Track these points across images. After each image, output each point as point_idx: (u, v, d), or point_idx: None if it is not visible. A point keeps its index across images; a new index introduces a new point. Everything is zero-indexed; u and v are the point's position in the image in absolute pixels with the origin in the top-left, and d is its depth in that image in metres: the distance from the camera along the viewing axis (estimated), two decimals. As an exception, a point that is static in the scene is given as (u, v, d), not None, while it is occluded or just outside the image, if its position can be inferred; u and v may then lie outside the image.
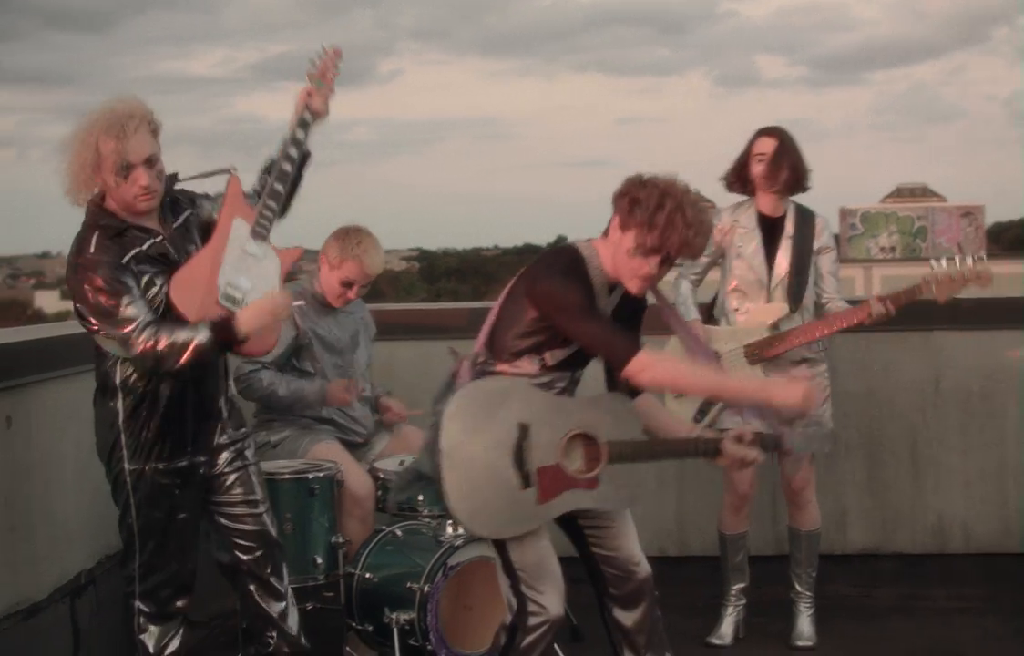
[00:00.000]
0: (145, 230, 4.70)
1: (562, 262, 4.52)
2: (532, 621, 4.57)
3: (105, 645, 5.92)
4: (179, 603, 4.98)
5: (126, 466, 4.78)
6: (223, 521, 5.00)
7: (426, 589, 5.49)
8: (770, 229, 6.14)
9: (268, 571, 5.04)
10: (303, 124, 4.97)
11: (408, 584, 5.57)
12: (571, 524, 4.75)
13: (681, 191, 4.38)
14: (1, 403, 5.41)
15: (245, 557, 5.02)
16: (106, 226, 4.65)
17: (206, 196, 4.99)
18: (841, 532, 7.70)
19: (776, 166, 6.02)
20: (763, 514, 6.38)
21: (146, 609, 4.92)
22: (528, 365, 4.52)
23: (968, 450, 7.68)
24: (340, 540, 5.81)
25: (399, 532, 5.92)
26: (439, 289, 69.27)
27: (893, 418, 7.68)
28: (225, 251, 4.77)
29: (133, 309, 4.54)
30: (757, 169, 6.08)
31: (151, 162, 4.65)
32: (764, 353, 6.02)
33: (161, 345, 4.53)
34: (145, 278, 4.64)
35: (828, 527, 7.49)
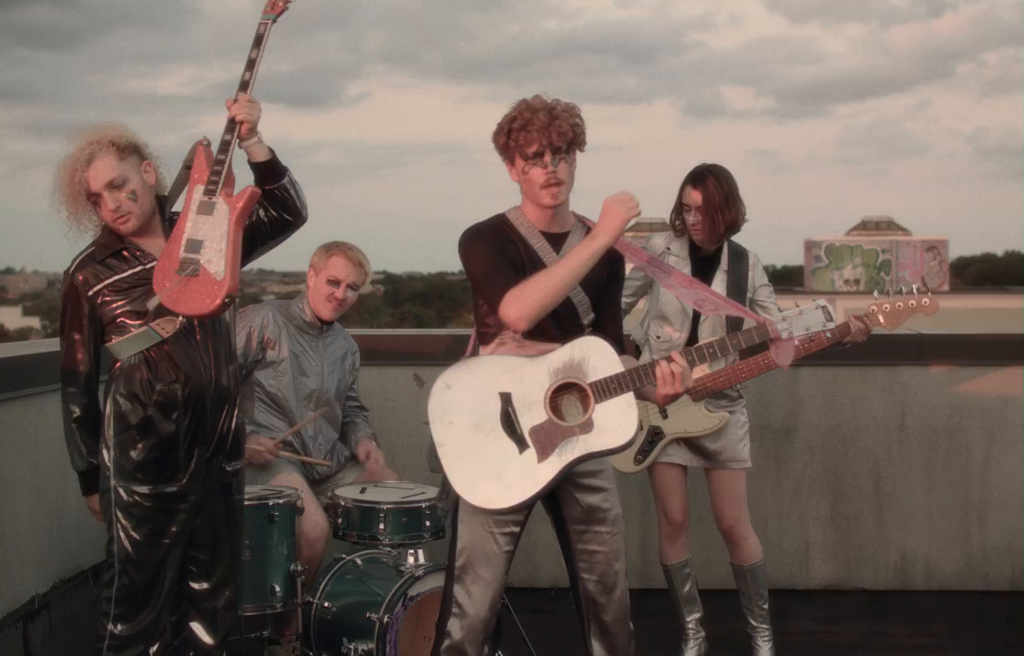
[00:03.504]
0: (138, 255, 4.73)
1: (473, 232, 4.62)
2: (449, 624, 4.58)
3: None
4: (152, 630, 4.84)
5: (112, 484, 4.72)
6: (190, 545, 4.91)
7: (385, 619, 5.42)
8: (703, 262, 6.05)
9: (213, 604, 5.00)
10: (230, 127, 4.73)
11: (367, 614, 5.49)
12: (561, 527, 4.74)
13: (531, 99, 4.55)
14: None
15: (194, 585, 4.95)
16: (105, 244, 4.73)
17: None
18: (804, 567, 7.68)
19: (709, 221, 5.90)
20: (721, 546, 6.32)
21: (118, 633, 4.78)
22: (511, 342, 4.53)
23: (932, 486, 7.66)
24: (299, 568, 5.72)
25: (359, 561, 5.84)
26: (403, 313, 69.21)
27: (858, 453, 7.65)
28: (187, 221, 4.64)
29: (75, 348, 4.74)
30: (689, 220, 5.98)
31: (115, 184, 4.66)
32: (707, 388, 5.98)
33: (70, 406, 4.76)
34: (116, 305, 4.69)
35: (791, 562, 7.52)
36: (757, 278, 6.12)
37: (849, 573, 7.69)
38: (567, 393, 4.50)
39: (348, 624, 5.59)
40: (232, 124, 4.71)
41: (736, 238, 6.09)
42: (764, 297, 6.10)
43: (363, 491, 6.00)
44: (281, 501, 5.73)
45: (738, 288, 6.03)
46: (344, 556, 5.91)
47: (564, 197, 4.58)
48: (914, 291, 5.73)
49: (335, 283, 6.26)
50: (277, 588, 5.68)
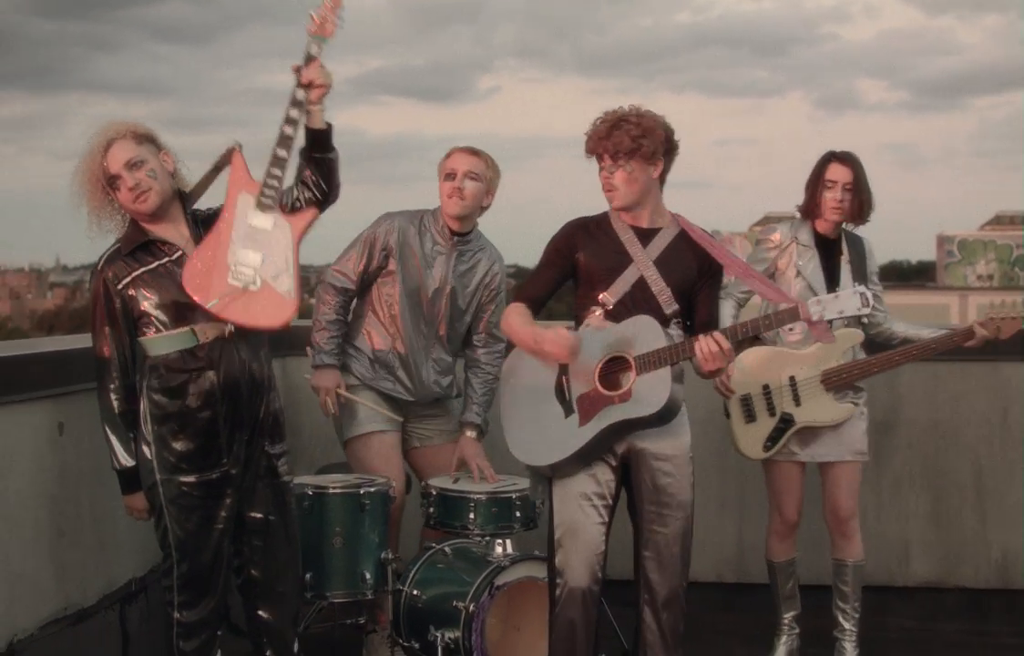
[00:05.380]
0: (163, 247, 4.82)
1: (569, 223, 5.12)
2: (556, 593, 4.98)
3: (154, 653, 5.93)
4: (218, 614, 4.98)
5: (157, 477, 4.82)
6: (242, 533, 5.01)
7: (471, 608, 5.45)
8: (827, 250, 6.05)
9: (277, 588, 5.08)
10: (296, 104, 4.81)
11: (454, 602, 5.53)
12: (631, 504, 5.05)
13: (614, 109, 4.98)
14: (54, 409, 5.47)
15: (254, 572, 5.05)
16: (130, 237, 4.83)
17: None
18: (903, 564, 7.56)
19: (854, 198, 5.93)
20: (819, 542, 6.27)
21: (185, 621, 4.91)
22: (595, 318, 4.94)
23: (1035, 484, 7.50)
24: (390, 556, 5.75)
25: (448, 550, 5.88)
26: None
27: (959, 450, 7.53)
28: (232, 229, 4.74)
29: (105, 347, 4.85)
30: (828, 195, 5.98)
31: (133, 163, 4.76)
32: (842, 379, 5.94)
33: (105, 412, 4.88)
34: (145, 298, 4.79)
35: (890, 559, 7.43)
36: (872, 264, 6.11)
37: (949, 571, 7.56)
38: (622, 367, 4.85)
39: (436, 612, 5.63)
40: (297, 100, 4.78)
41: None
42: (873, 285, 6.07)
43: (456, 481, 6.04)
44: (373, 490, 5.77)
45: (861, 276, 6.01)
46: (434, 545, 5.95)
47: (622, 202, 4.97)
48: None
49: (452, 176, 6.05)
50: (368, 575, 5.71)
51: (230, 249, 4.71)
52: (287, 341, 6.62)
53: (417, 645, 5.72)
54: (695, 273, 5.00)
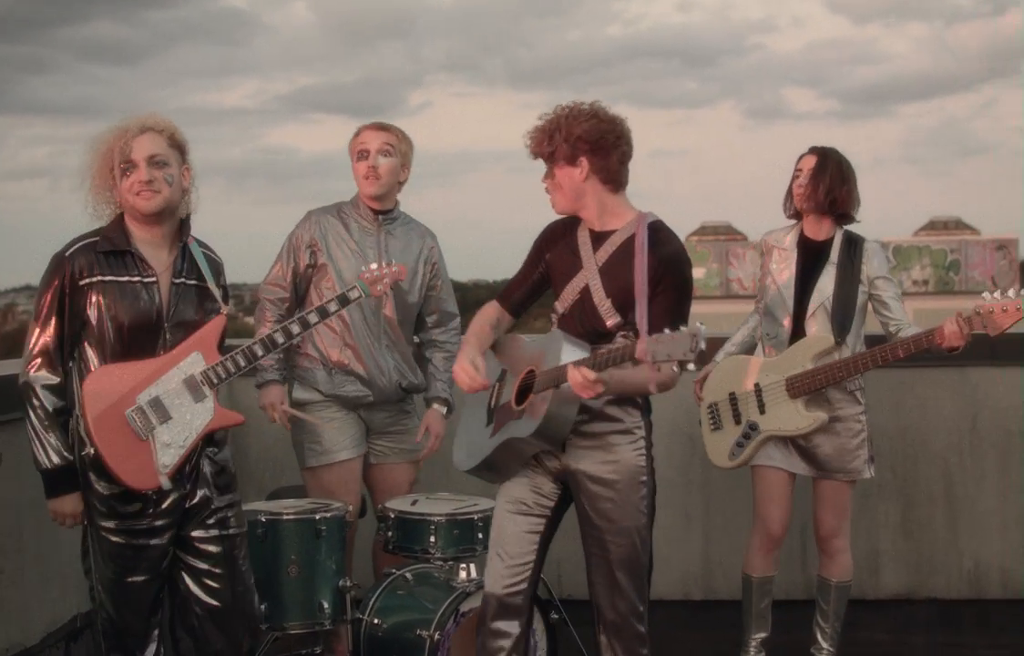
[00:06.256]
0: (139, 263, 4.55)
1: (547, 228, 4.88)
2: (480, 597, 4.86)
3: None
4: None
5: (86, 517, 4.59)
6: (185, 584, 4.73)
7: (436, 637, 5.25)
8: (813, 253, 5.83)
9: (218, 648, 4.78)
10: (343, 301, 4.93)
11: (418, 631, 5.32)
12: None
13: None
14: None
15: (196, 626, 4.75)
16: (110, 237, 4.57)
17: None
18: (874, 576, 7.45)
19: (813, 183, 5.72)
20: (792, 556, 6.12)
21: None
22: (553, 325, 4.73)
23: (1007, 491, 7.40)
24: (348, 584, 5.58)
25: (409, 576, 5.68)
26: (468, 320, 69.43)
27: (928, 458, 7.42)
28: (167, 372, 4.54)
29: (44, 338, 4.55)
30: (794, 185, 5.82)
31: (156, 161, 4.55)
32: (807, 385, 5.71)
33: (32, 401, 4.54)
34: (98, 307, 4.51)
35: (860, 571, 7.24)
36: (873, 269, 5.81)
37: (920, 582, 7.46)
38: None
39: (398, 641, 5.44)
40: (345, 298, 4.98)
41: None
42: (881, 289, 5.81)
43: (414, 503, 5.83)
44: (329, 515, 5.59)
45: (848, 280, 5.77)
46: (395, 570, 5.75)
47: (556, 209, 4.76)
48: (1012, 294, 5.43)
49: (365, 155, 5.93)
50: (325, 605, 5.54)
51: (151, 387, 4.51)
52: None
53: (379, 676, 5.52)
54: (642, 288, 4.55)
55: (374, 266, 5.09)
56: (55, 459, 4.52)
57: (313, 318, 4.84)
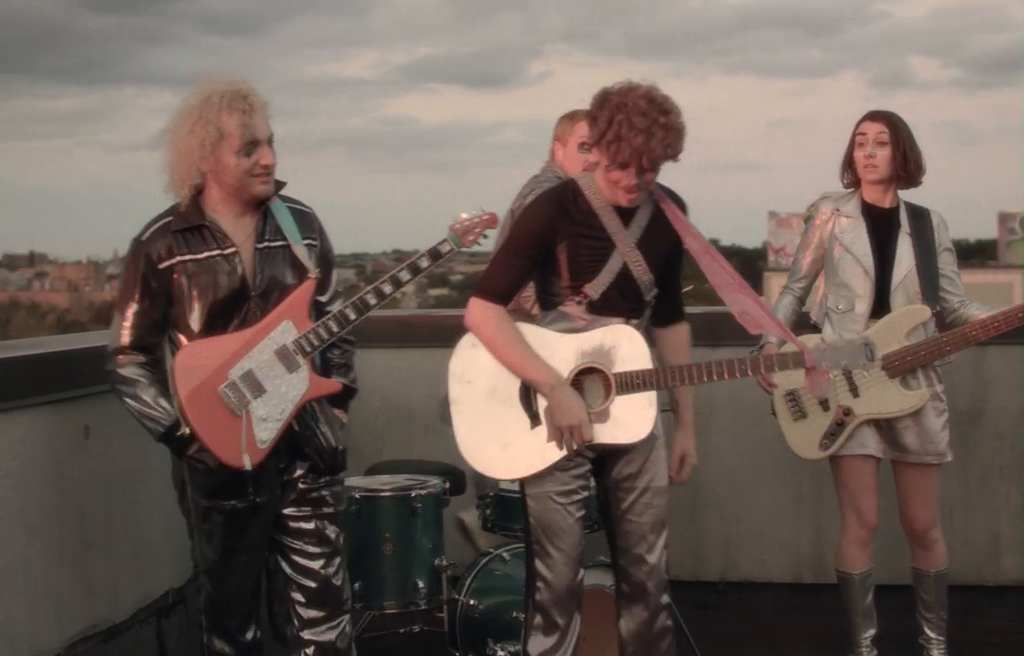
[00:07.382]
0: (218, 236, 4.37)
1: (536, 203, 4.67)
2: (537, 597, 4.59)
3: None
4: (248, 637, 4.60)
5: (189, 496, 4.48)
6: (287, 568, 4.58)
7: (533, 620, 5.09)
8: (880, 221, 5.53)
9: (325, 631, 4.60)
10: (435, 255, 4.57)
11: (514, 613, 5.23)
12: (604, 507, 4.73)
13: (633, 100, 4.34)
14: (78, 412, 5.21)
15: (304, 613, 4.59)
16: (185, 216, 4.37)
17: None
18: (993, 561, 7.14)
19: (895, 150, 5.42)
20: (898, 537, 5.88)
21: (216, 650, 4.57)
22: (573, 308, 4.52)
23: None
24: (444, 563, 5.52)
25: (506, 555, 5.58)
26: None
27: (1052, 439, 7.10)
28: (258, 344, 4.37)
29: (127, 325, 4.39)
30: (859, 154, 5.50)
31: (272, 143, 4.39)
32: (907, 364, 5.43)
33: (124, 386, 4.38)
34: (184, 286, 4.35)
35: (979, 556, 7.08)
36: (942, 239, 5.58)
37: (1043, 568, 7.17)
38: (592, 377, 4.49)
39: (494, 623, 5.39)
40: (438, 252, 4.57)
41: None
42: (946, 264, 5.56)
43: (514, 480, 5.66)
44: (424, 492, 5.54)
45: (927, 250, 5.50)
46: (492, 550, 5.66)
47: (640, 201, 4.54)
48: None
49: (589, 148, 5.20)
50: (421, 584, 5.51)
51: (242, 360, 4.34)
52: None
53: (474, 658, 5.46)
54: (671, 254, 4.63)
55: (464, 215, 4.68)
56: (166, 421, 4.37)
57: (405, 275, 4.58)
